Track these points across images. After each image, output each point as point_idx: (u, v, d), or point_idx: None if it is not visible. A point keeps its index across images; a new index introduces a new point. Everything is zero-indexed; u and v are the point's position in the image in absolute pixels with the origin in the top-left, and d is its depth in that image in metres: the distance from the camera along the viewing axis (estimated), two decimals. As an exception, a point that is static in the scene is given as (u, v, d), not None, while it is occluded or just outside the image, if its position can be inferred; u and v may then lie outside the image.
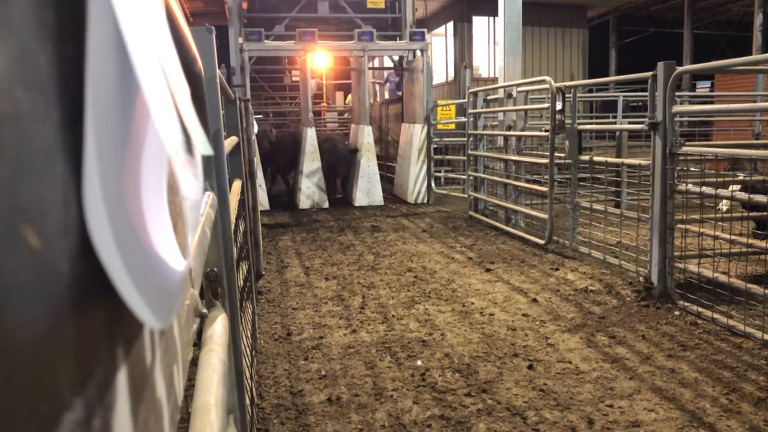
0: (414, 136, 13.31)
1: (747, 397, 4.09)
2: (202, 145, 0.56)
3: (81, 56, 0.45)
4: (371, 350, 5.10)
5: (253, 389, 4.08)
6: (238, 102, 5.26)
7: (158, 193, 0.56)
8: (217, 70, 2.48)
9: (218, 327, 1.57)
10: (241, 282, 4.20)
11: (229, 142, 3.84)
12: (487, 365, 4.73)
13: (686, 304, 5.77)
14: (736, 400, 4.05)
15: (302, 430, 3.85)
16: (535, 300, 6.30)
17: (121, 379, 0.50)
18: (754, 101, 12.47)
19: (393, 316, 5.92)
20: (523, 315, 5.87)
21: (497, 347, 5.09)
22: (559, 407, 4.04)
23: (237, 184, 4.37)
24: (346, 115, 20.06)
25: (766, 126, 12.46)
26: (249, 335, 4.26)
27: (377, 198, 13.10)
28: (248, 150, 6.56)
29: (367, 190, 13.08)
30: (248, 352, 3.89)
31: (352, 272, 7.59)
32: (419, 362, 4.81)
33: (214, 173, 2.14)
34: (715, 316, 5.42)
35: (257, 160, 11.24)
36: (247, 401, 2.77)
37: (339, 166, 12.65)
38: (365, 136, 13.13)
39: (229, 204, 2.47)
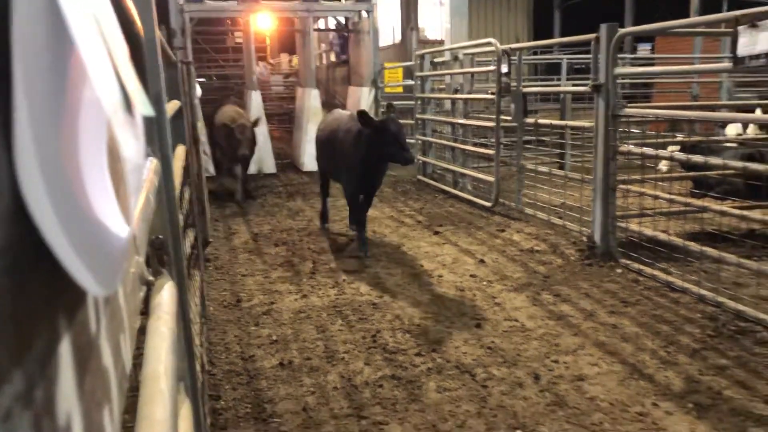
0: (362, 99, 13.21)
1: (683, 349, 4.27)
2: (143, 105, 0.54)
3: (5, 9, 0.42)
4: (322, 314, 5.12)
5: (204, 356, 4.06)
6: (179, 65, 5.11)
7: (98, 156, 0.54)
8: (157, 31, 2.39)
9: (165, 295, 1.54)
10: (188, 249, 4.14)
11: (171, 106, 3.73)
12: (437, 325, 4.81)
13: (628, 262, 5.96)
14: (674, 352, 4.23)
15: (254, 394, 3.86)
16: (482, 261, 6.41)
17: (65, 349, 0.48)
18: (692, 63, 12.75)
19: (344, 280, 5.94)
20: (471, 276, 5.96)
21: (446, 307, 5.17)
22: (506, 364, 4.15)
23: (180, 150, 4.27)
24: (291, 78, 19.74)
25: (704, 88, 12.80)
26: (198, 303, 4.22)
27: (325, 162, 12.98)
28: (191, 114, 6.41)
29: (315, 154, 12.93)
30: (197, 320, 3.86)
31: (301, 238, 7.56)
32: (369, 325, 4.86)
33: (157, 138, 2.08)
34: (655, 273, 5.62)
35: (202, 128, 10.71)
36: (198, 368, 2.75)
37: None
38: (312, 100, 12.97)
39: (172, 170, 2.41)
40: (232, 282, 6.04)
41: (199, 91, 8.43)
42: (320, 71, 17.59)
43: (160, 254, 1.89)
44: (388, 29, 21.15)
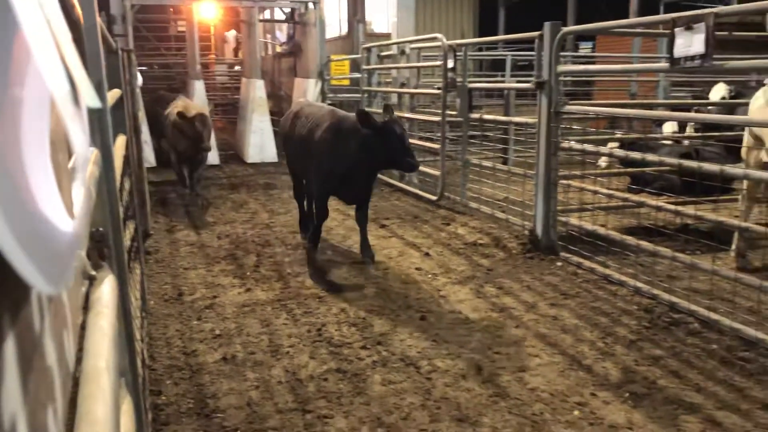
0: (308, 91, 13.11)
1: (621, 340, 4.41)
2: (90, 97, 0.52)
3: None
4: (267, 308, 5.07)
5: (145, 351, 3.98)
6: (120, 52, 4.97)
7: (41, 149, 0.52)
8: (98, 18, 2.32)
9: (106, 289, 1.51)
10: (128, 242, 4.04)
11: (111, 95, 3.63)
12: (382, 318, 4.83)
13: (568, 255, 6.10)
14: (611, 343, 4.36)
15: (197, 389, 3.80)
16: (427, 254, 6.46)
17: (9, 349, 0.46)
18: (631, 63, 13.11)
19: (289, 273, 5.90)
20: (417, 269, 6.01)
21: (392, 300, 5.19)
22: (450, 356, 4.20)
23: (121, 140, 4.16)
24: (236, 68, 19.44)
25: (642, 87, 13.18)
26: (138, 297, 4.13)
27: (270, 154, 12.87)
28: (132, 104, 6.25)
29: (260, 146, 12.81)
30: (138, 314, 3.78)
31: (245, 230, 7.47)
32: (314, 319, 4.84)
33: (97, 128, 2.02)
34: (594, 266, 5.77)
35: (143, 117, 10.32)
36: (139, 364, 2.69)
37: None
38: (257, 90, 12.81)
39: (113, 161, 2.35)
40: (174, 275, 5.93)
41: (140, 79, 8.22)
42: (266, 62, 17.37)
43: (100, 247, 1.85)
44: (335, 21, 21.05)
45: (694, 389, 3.74)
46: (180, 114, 8.16)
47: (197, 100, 12.01)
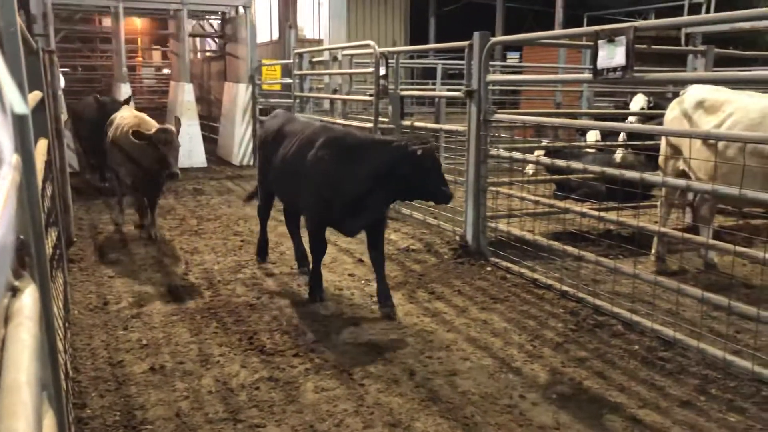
0: (238, 95, 12.96)
1: (548, 343, 4.53)
2: (17, 103, 0.50)
3: None
4: (196, 317, 4.97)
5: (68, 363, 3.83)
6: (41, 53, 4.79)
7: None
8: (17, 17, 2.23)
9: (27, 299, 1.44)
10: (50, 250, 3.89)
11: (32, 98, 3.49)
12: (315, 325, 4.81)
13: (497, 260, 6.23)
14: (539, 346, 4.47)
15: (123, 401, 3.69)
16: (360, 260, 6.47)
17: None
18: (557, 73, 13.52)
19: (219, 281, 5.80)
20: (350, 275, 6.01)
21: (324, 307, 5.17)
22: (383, 361, 4.22)
23: (42, 144, 4.01)
24: (164, 71, 19.01)
25: (566, 96, 13.60)
26: (61, 306, 3.98)
27: (199, 159, 12.64)
28: (54, 106, 6.02)
29: (189, 151, 12.53)
30: (61, 325, 3.64)
31: (173, 237, 7.30)
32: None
33: (17, 132, 1.95)
34: (522, 270, 5.91)
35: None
36: (62, 376, 2.59)
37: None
38: (185, 94, 12.56)
39: (35, 165, 2.26)
40: (99, 284, 5.74)
41: (62, 82, 7.94)
42: (195, 65, 17.05)
43: (21, 255, 1.77)
44: (266, 26, 20.88)
45: (617, 389, 3.87)
46: (136, 133, 6.29)
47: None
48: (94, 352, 4.33)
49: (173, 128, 6.44)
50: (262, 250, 6.41)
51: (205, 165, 12.61)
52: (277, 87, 13.43)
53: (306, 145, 5.15)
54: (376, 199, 4.83)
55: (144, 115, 7.21)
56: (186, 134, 12.41)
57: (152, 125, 6.59)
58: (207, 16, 14.97)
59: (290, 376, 4.01)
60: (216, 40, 15.67)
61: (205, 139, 13.24)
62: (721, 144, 5.13)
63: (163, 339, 4.55)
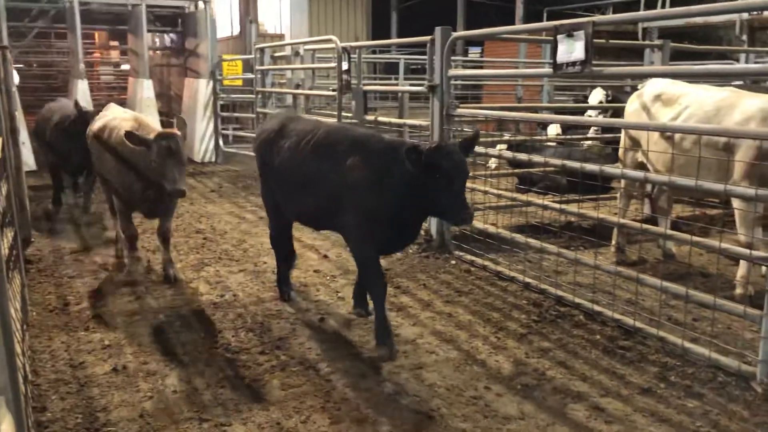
0: (199, 91, 12.79)
1: (512, 334, 4.58)
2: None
3: None
4: (159, 316, 4.91)
5: (27, 366, 3.75)
6: (-7, 49, 4.67)
7: None
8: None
9: (-17, 302, 1.42)
10: (6, 250, 3.80)
11: (-16, 95, 3.40)
12: (281, 322, 4.79)
13: (461, 253, 6.28)
14: (503, 338, 4.53)
15: (85, 403, 3.63)
16: (326, 256, 6.46)
17: None
18: (518, 68, 13.64)
19: (182, 280, 5.73)
20: (315, 271, 5.99)
21: (290, 304, 5.15)
22: (350, 356, 4.22)
23: (-4, 142, 3.91)
24: (123, 67, 18.66)
25: (527, 90, 13.74)
26: (18, 308, 3.89)
27: (160, 156, 12.44)
28: (8, 103, 5.88)
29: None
30: (18, 327, 3.56)
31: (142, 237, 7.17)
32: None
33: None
34: (486, 263, 5.97)
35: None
36: (20, 379, 2.54)
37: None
38: (145, 90, 12.36)
39: (-11, 164, 2.21)
40: (58, 284, 5.62)
41: (16, 78, 7.74)
42: (154, 60, 16.78)
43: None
44: (227, 21, 20.64)
45: (580, 378, 3.94)
46: (130, 136, 4.98)
47: (80, 102, 11.39)
48: (54, 354, 4.25)
49: (178, 133, 5.12)
50: (284, 281, 5.31)
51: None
52: (239, 82, 13.30)
53: (329, 150, 4.33)
54: (414, 212, 4.15)
55: (143, 117, 5.82)
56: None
57: (153, 129, 5.31)
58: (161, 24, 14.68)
59: (256, 373, 3.98)
60: (175, 35, 15.42)
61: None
62: (677, 136, 5.25)
63: (126, 339, 4.49)
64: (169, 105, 16.13)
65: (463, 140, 4.13)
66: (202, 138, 12.91)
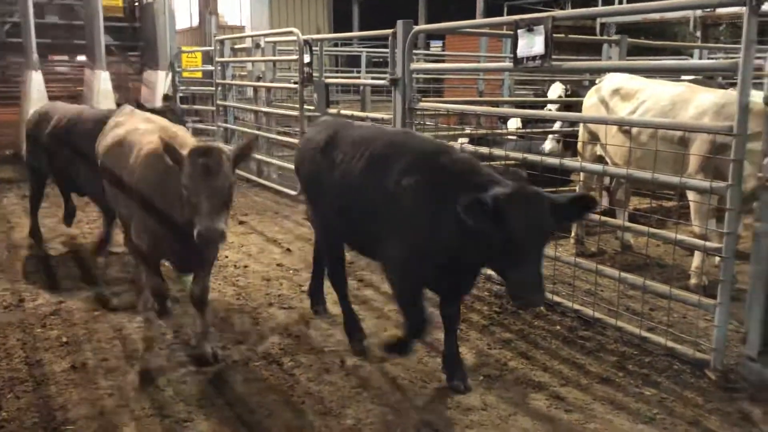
0: (158, 83, 12.58)
1: (474, 326, 4.63)
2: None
3: None
4: (118, 312, 4.82)
5: (-20, 365, 3.66)
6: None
7: None
8: None
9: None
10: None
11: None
12: (243, 317, 4.75)
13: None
14: (466, 329, 4.56)
15: (43, 402, 3.55)
16: (288, 250, 6.43)
17: None
18: (479, 62, 13.71)
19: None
20: (278, 265, 5.96)
21: (252, 298, 5.12)
22: (313, 351, 4.21)
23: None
24: (79, 58, 18.21)
25: (488, 84, 13.83)
26: (-28, 306, 3.79)
27: (118, 150, 12.19)
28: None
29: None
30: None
31: (93, 230, 7.04)
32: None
33: None
34: (449, 256, 6.00)
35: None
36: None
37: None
38: (102, 82, 12.09)
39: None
40: (13, 280, 5.48)
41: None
42: (111, 51, 16.40)
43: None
44: (185, 12, 20.33)
45: (541, 368, 4.00)
46: (170, 149, 3.56)
47: (36, 94, 11.08)
48: (9, 352, 4.14)
49: (221, 150, 3.61)
50: (317, 294, 4.83)
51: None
52: (198, 75, 13.11)
53: (383, 163, 3.64)
54: (475, 258, 3.40)
55: (172, 126, 4.47)
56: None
57: (186, 143, 3.81)
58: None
59: (218, 368, 3.95)
60: (134, 25, 15.11)
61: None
62: (635, 130, 5.35)
63: (85, 336, 4.40)
64: (127, 97, 15.82)
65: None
66: (161, 131, 12.69)
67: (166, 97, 5.58)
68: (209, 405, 3.53)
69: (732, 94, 4.01)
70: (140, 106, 5.11)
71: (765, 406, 3.50)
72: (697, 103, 5.08)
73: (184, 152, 3.52)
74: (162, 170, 3.75)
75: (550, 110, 8.36)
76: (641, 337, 4.23)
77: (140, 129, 4.41)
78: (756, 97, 3.67)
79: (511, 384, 3.81)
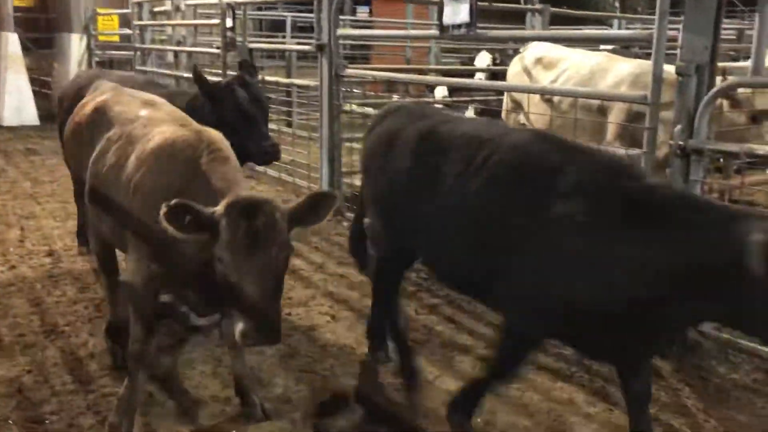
0: (72, 47, 12.00)
1: (403, 292, 4.58)
2: None
3: None
4: (36, 286, 4.65)
5: None
6: None
7: None
8: None
9: None
10: None
11: None
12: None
13: (353, 215, 6.32)
14: (394, 296, 4.63)
15: (-44, 382, 3.41)
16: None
17: None
18: (406, 28, 13.68)
19: (60, 248, 5.44)
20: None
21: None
22: (241, 321, 4.18)
23: None
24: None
25: (415, 52, 13.83)
26: None
27: (31, 116, 11.65)
28: None
29: (17, 107, 11.52)
30: None
31: (5, 202, 6.72)
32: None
33: None
34: (376, 224, 6.04)
35: None
36: None
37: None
38: (10, 45, 11.45)
39: None
40: None
41: None
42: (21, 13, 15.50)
43: None
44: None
45: (466, 332, 4.12)
46: (177, 211, 2.30)
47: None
48: None
49: (274, 206, 2.42)
50: (378, 334, 3.70)
51: (38, 123, 11.60)
52: (115, 38, 12.57)
53: (527, 179, 2.71)
54: (672, 315, 2.42)
55: (192, 122, 3.08)
56: (14, 89, 11.43)
57: (223, 177, 2.64)
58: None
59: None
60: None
61: (36, 94, 12.17)
62: (556, 98, 5.49)
63: (0, 311, 4.23)
64: (39, 62, 15.03)
65: None
66: (77, 97, 12.16)
67: (242, 64, 4.75)
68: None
69: (648, 64, 4.15)
70: (197, 76, 4.12)
71: (675, 362, 3.70)
72: (615, 72, 5.24)
73: (218, 209, 2.37)
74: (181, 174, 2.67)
75: (480, 80, 8.45)
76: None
77: (154, 119, 3.11)
78: (670, 67, 3.82)
79: (437, 347, 3.91)
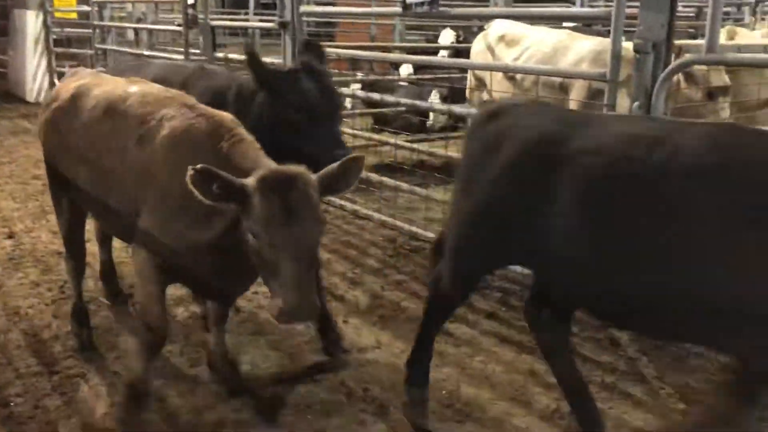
0: (27, 24, 11.67)
1: (368, 269, 4.75)
2: None
3: None
4: (-3, 268, 4.59)
5: None
6: None
7: None
8: None
9: None
10: None
11: None
12: (129, 268, 4.63)
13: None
14: (360, 273, 4.68)
15: None
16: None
17: None
18: (370, 6, 13.60)
19: (21, 230, 5.35)
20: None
21: (127, 250, 4.98)
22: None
23: None
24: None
25: (380, 29, 13.77)
26: None
27: (-15, 97, 11.35)
28: None
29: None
30: None
31: None
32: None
33: None
34: (343, 203, 6.07)
35: None
36: None
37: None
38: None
39: None
40: None
41: None
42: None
43: None
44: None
45: (431, 307, 4.17)
46: (204, 175, 2.20)
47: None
48: None
49: (306, 178, 2.34)
50: (419, 370, 3.08)
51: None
52: (73, 15, 12.25)
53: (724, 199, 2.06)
54: None
55: (208, 108, 2.79)
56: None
57: (246, 154, 2.56)
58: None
59: (109, 322, 3.87)
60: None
61: (-10, 73, 11.86)
62: (519, 76, 5.53)
63: (-42, 295, 4.18)
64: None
65: None
66: (34, 75, 11.86)
67: (307, 45, 3.62)
68: (100, 359, 3.48)
69: (608, 41, 4.21)
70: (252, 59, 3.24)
71: (632, 333, 3.82)
72: (576, 50, 5.29)
73: (250, 181, 2.28)
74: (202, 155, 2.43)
75: (444, 57, 8.46)
76: (523, 275, 4.44)
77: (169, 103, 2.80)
78: (629, 44, 3.88)
79: (403, 323, 3.97)
